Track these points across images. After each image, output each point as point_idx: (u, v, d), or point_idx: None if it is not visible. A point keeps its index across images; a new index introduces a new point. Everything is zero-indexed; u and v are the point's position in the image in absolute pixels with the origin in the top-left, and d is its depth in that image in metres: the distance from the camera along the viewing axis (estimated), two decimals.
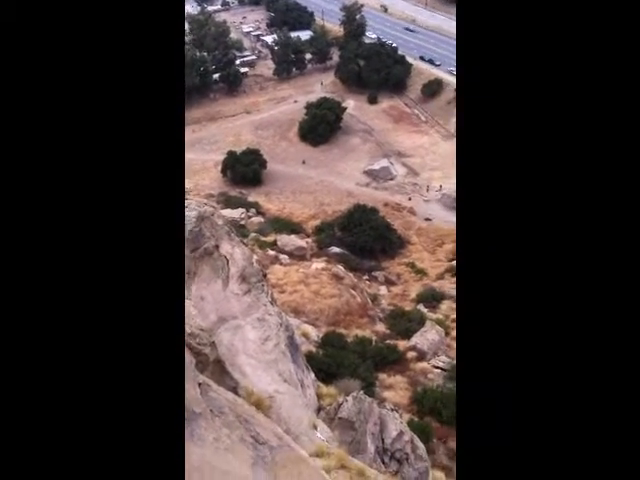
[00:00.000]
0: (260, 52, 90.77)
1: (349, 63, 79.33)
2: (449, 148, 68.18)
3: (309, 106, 71.06)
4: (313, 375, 14.86)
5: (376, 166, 65.26)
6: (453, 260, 45.73)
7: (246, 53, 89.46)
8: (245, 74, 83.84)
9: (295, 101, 78.33)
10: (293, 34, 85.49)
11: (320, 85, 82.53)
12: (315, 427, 10.76)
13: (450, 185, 59.29)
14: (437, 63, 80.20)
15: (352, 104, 76.04)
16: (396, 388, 19.57)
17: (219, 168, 63.95)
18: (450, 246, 49.52)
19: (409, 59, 79.78)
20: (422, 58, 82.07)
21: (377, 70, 77.09)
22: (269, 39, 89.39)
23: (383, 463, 12.38)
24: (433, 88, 75.05)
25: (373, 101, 77.28)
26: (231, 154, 63.54)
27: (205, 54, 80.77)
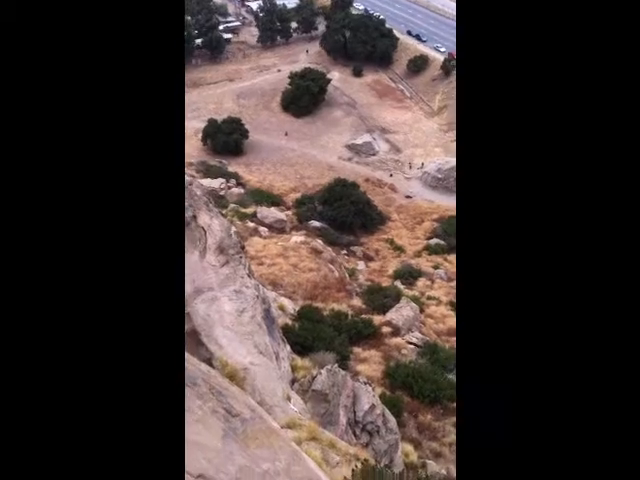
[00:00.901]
0: (244, 18, 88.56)
1: (335, 34, 77.99)
2: (432, 126, 68.07)
3: (293, 76, 69.93)
4: (289, 348, 14.96)
5: (359, 141, 64.93)
6: (431, 238, 46.12)
7: (230, 19, 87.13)
8: (228, 40, 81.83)
9: (279, 70, 76.98)
10: (279, 1, 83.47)
11: (306, 53, 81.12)
12: (289, 399, 10.86)
13: (432, 163, 59.41)
14: (424, 39, 79.38)
15: (337, 76, 75.08)
16: (370, 362, 19.85)
17: (199, 136, 62.87)
18: (428, 224, 49.89)
19: (396, 33, 78.77)
20: (409, 33, 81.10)
21: (363, 42, 76.00)
22: (254, 5, 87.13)
23: (354, 435, 12.61)
24: (418, 64, 74.42)
25: (358, 74, 76.39)
26: (212, 122, 62.43)
27: (188, 18, 78.45)
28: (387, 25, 79.05)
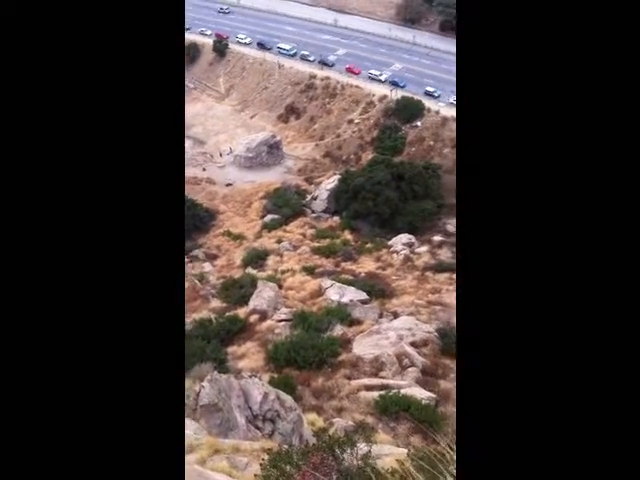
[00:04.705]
0: None
1: None
2: (226, 109, 67.93)
3: None
4: None
5: None
6: (265, 216, 46.67)
7: None
8: None
9: None
10: None
11: None
12: None
13: (239, 145, 59.56)
14: (187, 27, 77.93)
15: None
16: (249, 355, 19.70)
17: None
18: (258, 204, 50.35)
19: None
20: None
21: None
22: None
23: (258, 429, 12.48)
24: (191, 53, 73.12)
25: None
26: None
27: None
28: None
